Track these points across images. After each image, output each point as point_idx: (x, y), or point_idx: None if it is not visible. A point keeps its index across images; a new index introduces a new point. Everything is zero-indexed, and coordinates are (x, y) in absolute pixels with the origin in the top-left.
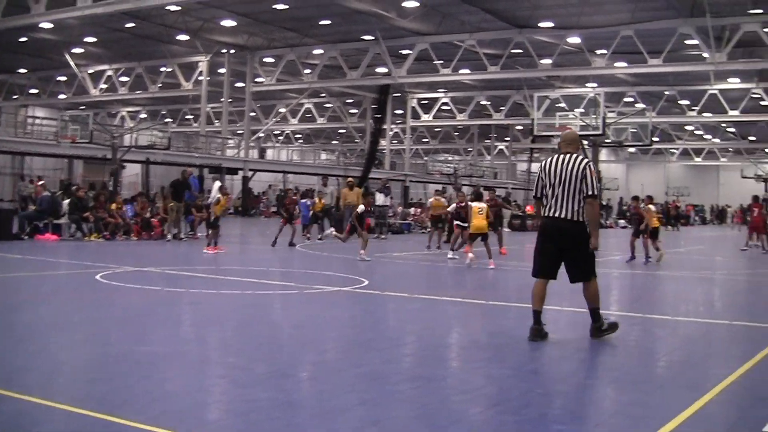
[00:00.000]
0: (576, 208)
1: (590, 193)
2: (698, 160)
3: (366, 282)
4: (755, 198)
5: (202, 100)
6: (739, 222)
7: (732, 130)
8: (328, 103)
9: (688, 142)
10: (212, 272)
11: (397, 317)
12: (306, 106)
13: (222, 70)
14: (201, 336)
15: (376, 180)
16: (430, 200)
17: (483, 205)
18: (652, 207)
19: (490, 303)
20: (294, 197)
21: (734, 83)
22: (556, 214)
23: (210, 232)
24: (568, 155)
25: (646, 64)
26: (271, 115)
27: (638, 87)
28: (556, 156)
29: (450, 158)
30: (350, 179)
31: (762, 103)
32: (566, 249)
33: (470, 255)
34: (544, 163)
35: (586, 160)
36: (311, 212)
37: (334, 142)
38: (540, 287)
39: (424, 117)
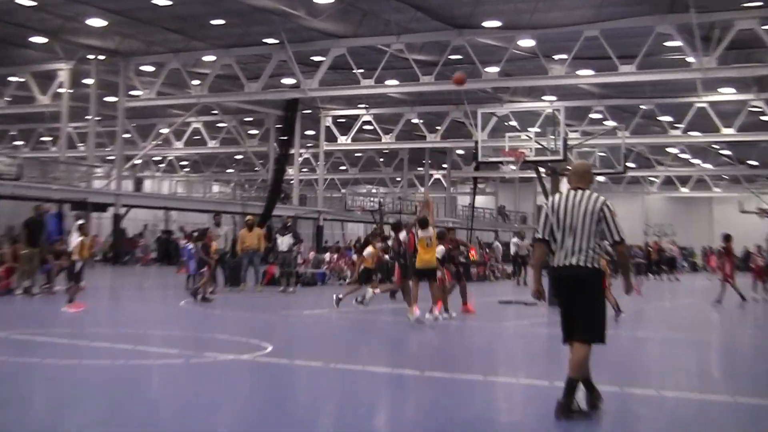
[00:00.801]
0: (590, 253)
1: (617, 238)
2: (685, 190)
3: (270, 347)
4: (726, 237)
5: (63, 118)
6: (713, 268)
7: (726, 152)
8: (222, 122)
9: (671, 168)
10: (74, 336)
11: (309, 394)
12: (194, 125)
13: (88, 81)
14: (56, 420)
15: (281, 218)
16: (369, 250)
17: (431, 232)
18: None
19: (427, 375)
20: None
21: (728, 94)
22: (568, 262)
23: (70, 284)
24: (579, 191)
25: (617, 72)
26: (149, 137)
27: (607, 100)
28: (565, 192)
29: (374, 190)
30: (249, 217)
31: (762, 117)
32: (576, 299)
33: (436, 311)
34: (552, 200)
35: (602, 198)
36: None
37: (229, 170)
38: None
39: (342, 139)
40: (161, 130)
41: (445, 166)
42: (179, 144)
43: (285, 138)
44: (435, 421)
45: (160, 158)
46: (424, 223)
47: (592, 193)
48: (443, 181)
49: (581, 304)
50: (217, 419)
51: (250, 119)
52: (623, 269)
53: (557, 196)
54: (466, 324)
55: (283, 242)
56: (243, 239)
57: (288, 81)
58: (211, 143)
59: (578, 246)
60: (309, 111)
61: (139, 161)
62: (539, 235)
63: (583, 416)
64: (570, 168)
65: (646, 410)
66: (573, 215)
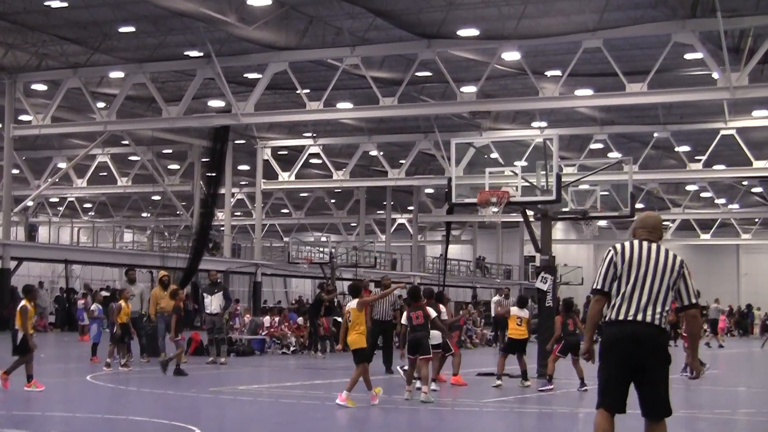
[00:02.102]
0: (663, 311)
1: (693, 301)
2: (706, 237)
3: None
4: None
5: None
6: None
7: (758, 190)
8: (135, 155)
9: (690, 210)
10: None
11: None
12: (100, 159)
13: None
14: None
15: (209, 273)
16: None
17: (353, 304)
18: (515, 309)
19: None
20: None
21: (761, 118)
22: (637, 317)
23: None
24: (654, 243)
25: (623, 92)
26: (45, 174)
27: (611, 127)
28: (638, 241)
29: (324, 239)
30: (164, 274)
31: None
32: (644, 367)
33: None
34: (620, 247)
35: (680, 257)
36: (117, 324)
37: (144, 215)
38: (605, 422)
39: (283, 176)
40: (59, 165)
41: (411, 208)
42: (82, 182)
43: (213, 174)
44: None
45: (57, 200)
46: (356, 291)
47: (667, 248)
48: (409, 227)
49: (653, 376)
50: None
51: (170, 152)
52: (694, 340)
53: (627, 243)
54: (438, 401)
55: (212, 303)
56: (157, 300)
57: (216, 104)
58: (122, 181)
59: (652, 302)
60: (243, 141)
61: (32, 203)
62: (598, 286)
63: None
64: (637, 219)
65: None
66: (648, 267)
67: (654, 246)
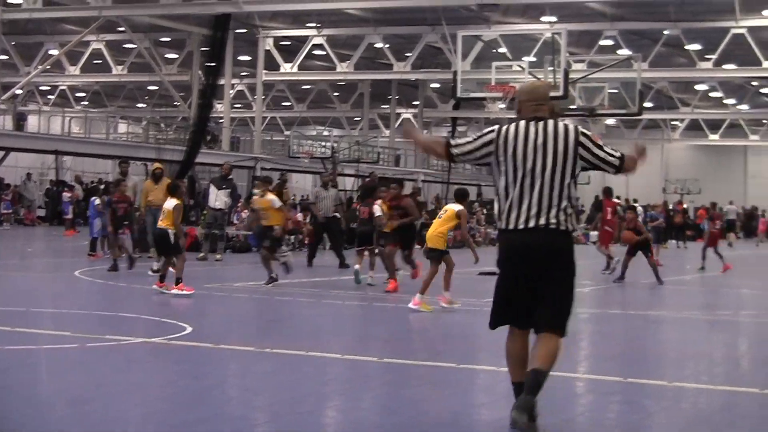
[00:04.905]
0: (564, 208)
1: (617, 155)
2: (714, 137)
3: (189, 329)
4: (607, 192)
5: None
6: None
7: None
8: (131, 42)
9: (699, 110)
10: None
11: (239, 384)
12: (94, 46)
13: None
14: None
15: (207, 167)
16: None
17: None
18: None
19: (385, 361)
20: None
21: None
22: (532, 223)
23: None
24: (541, 123)
25: None
26: (36, 60)
27: (621, 23)
28: (524, 123)
29: (326, 133)
30: (157, 166)
31: None
32: (542, 276)
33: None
34: (505, 131)
35: (572, 126)
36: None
37: (140, 105)
38: (515, 344)
39: (286, 67)
40: (51, 51)
41: (416, 103)
42: (74, 70)
43: (212, 64)
44: (395, 418)
45: (48, 88)
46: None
47: (557, 122)
48: (414, 123)
49: (552, 285)
50: (121, 414)
51: (168, 39)
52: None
53: (513, 129)
54: (436, 301)
55: (218, 197)
56: (147, 193)
57: None
58: (117, 69)
59: (547, 201)
60: (244, 30)
61: (21, 91)
62: (452, 143)
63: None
64: (523, 90)
65: (658, 404)
66: (537, 157)
67: (541, 125)
